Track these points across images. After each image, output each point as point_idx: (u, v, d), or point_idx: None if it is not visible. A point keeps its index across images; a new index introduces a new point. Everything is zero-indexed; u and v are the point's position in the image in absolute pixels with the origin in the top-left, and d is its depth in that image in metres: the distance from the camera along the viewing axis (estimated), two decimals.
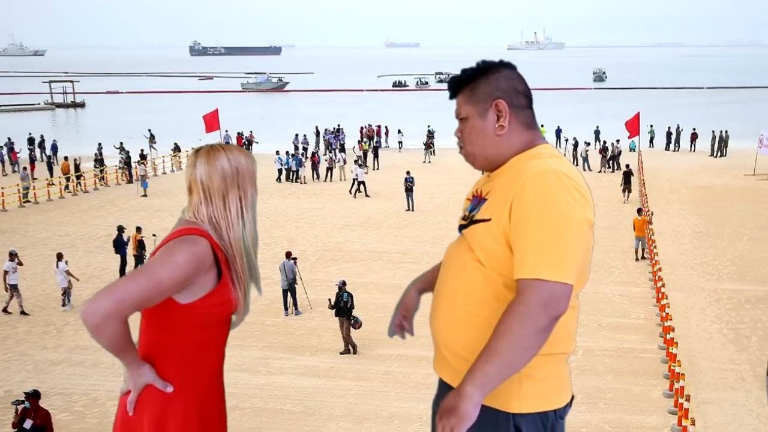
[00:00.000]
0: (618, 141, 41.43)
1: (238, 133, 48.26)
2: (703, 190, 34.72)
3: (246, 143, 46.94)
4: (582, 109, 76.40)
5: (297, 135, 47.09)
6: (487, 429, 2.48)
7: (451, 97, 2.68)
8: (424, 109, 73.41)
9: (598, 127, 48.28)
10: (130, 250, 22.43)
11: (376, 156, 43.03)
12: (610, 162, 40.76)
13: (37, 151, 45.42)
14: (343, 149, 44.43)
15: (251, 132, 48.51)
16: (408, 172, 31.77)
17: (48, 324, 18.79)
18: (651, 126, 49.59)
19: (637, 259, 23.43)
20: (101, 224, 28.92)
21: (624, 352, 16.63)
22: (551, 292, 2.33)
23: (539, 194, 2.39)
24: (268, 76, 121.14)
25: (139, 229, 22.80)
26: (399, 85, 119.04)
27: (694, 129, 48.40)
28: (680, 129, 48.81)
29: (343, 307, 16.68)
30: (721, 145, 45.57)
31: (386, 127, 52.81)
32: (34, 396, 11.78)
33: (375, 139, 47.88)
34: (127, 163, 39.51)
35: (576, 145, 42.43)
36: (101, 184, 38.13)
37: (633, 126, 38.80)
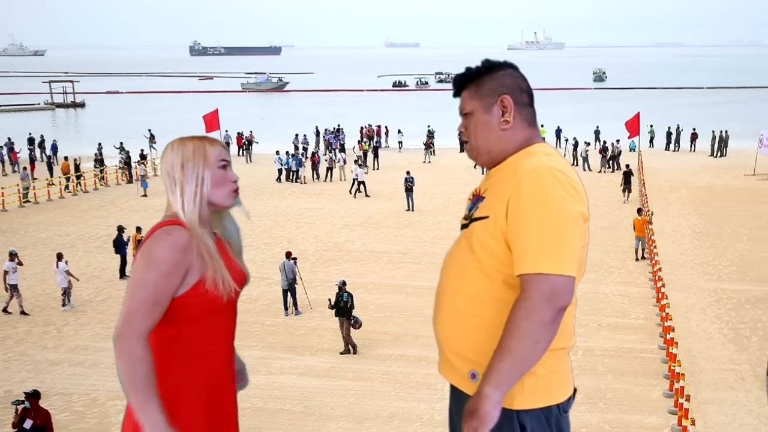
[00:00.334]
0: (618, 141, 41.43)
1: (238, 133, 48.27)
2: (703, 190, 34.72)
3: (246, 143, 46.97)
4: (582, 109, 76.40)
5: (297, 135, 47.09)
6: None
7: (455, 94, 2.72)
8: (424, 109, 73.43)
9: (598, 127, 48.28)
10: (130, 250, 22.43)
11: (376, 156, 43.02)
12: (610, 162, 40.75)
13: (37, 151, 45.42)
14: (343, 149, 44.43)
15: (251, 132, 48.50)
16: (408, 172, 31.77)
17: (48, 324, 18.78)
18: (651, 126, 49.59)
19: (637, 259, 23.43)
20: (101, 224, 28.92)
21: (624, 352, 16.62)
22: (554, 285, 2.36)
23: (534, 190, 2.43)
24: (268, 76, 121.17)
25: (139, 229, 22.79)
26: (399, 85, 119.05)
27: (694, 129, 48.40)
28: (680, 129, 48.80)
29: (343, 307, 16.68)
30: (721, 145, 45.56)
31: (386, 127, 52.81)
32: (34, 396, 11.77)
33: (375, 139, 47.88)
34: (127, 163, 39.52)
35: (576, 145, 42.42)
36: (101, 184, 38.14)
37: (633, 126, 38.79)
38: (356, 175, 34.22)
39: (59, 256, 20.05)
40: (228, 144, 45.67)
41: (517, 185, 2.46)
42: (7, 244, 24.91)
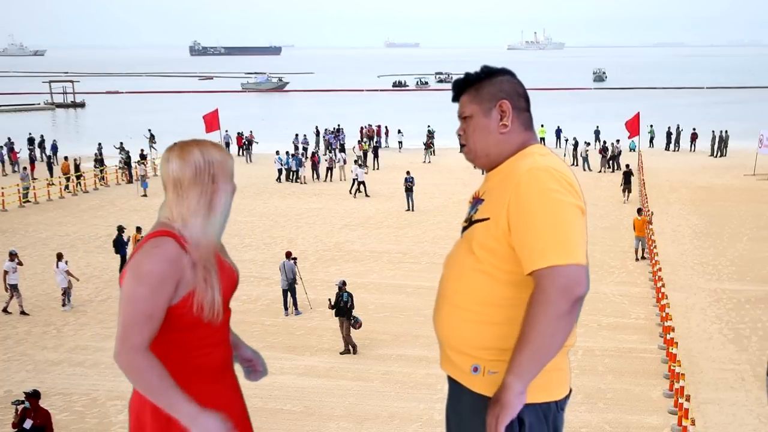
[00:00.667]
0: (618, 141, 41.43)
1: (238, 133, 48.27)
2: (703, 190, 34.72)
3: (246, 143, 46.96)
4: (582, 109, 76.41)
5: (297, 135, 47.09)
6: None
7: (454, 99, 2.79)
8: (424, 109, 73.42)
9: (598, 127, 48.27)
10: (130, 250, 22.43)
11: (376, 156, 43.03)
12: (610, 162, 40.76)
13: (37, 151, 45.42)
14: (343, 149, 44.43)
15: (251, 132, 48.50)
16: (408, 172, 31.77)
17: (48, 324, 18.79)
18: (651, 126, 49.59)
19: (637, 259, 23.43)
20: (101, 224, 28.92)
21: (624, 352, 16.62)
22: (567, 275, 2.39)
23: (533, 189, 2.48)
24: (268, 76, 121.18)
25: (139, 229, 22.80)
26: (399, 85, 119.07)
27: (694, 129, 48.40)
28: (680, 129, 48.80)
29: (343, 307, 16.68)
30: (721, 145, 45.56)
31: (386, 127, 52.81)
32: (34, 396, 11.77)
33: (375, 139, 47.88)
34: (127, 163, 39.52)
35: (576, 145, 42.43)
36: (101, 184, 38.14)
37: (633, 126, 38.80)
38: (356, 175, 34.22)
39: (59, 256, 20.06)
40: (228, 144, 45.69)
41: (515, 186, 2.51)
42: (7, 244, 24.92)
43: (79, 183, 37.07)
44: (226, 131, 45.61)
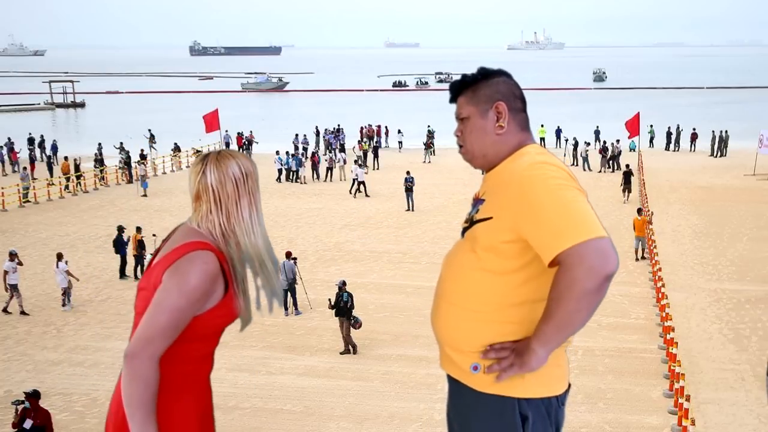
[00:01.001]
0: (618, 141, 41.44)
1: (238, 133, 48.27)
2: (703, 190, 34.73)
3: (246, 143, 46.97)
4: (582, 109, 76.42)
5: (297, 135, 47.09)
6: (493, 415, 2.60)
7: (452, 100, 2.81)
8: (424, 109, 73.42)
9: (598, 127, 48.27)
10: (130, 250, 22.43)
11: (376, 156, 43.03)
12: (610, 162, 40.76)
13: (37, 151, 45.42)
14: (343, 149, 44.43)
15: (251, 132, 48.52)
16: (408, 172, 31.77)
17: (48, 324, 18.79)
18: (651, 126, 49.60)
19: (637, 259, 23.44)
20: (101, 224, 28.92)
21: (624, 352, 16.63)
22: (592, 251, 2.36)
23: (536, 181, 2.50)
24: (268, 76, 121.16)
25: (139, 229, 22.81)
26: (399, 85, 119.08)
27: (694, 129, 48.40)
28: (680, 129, 48.82)
29: (343, 307, 16.68)
30: (721, 145, 45.57)
31: (386, 127, 52.81)
32: (34, 396, 11.77)
33: (375, 139, 47.89)
34: (127, 163, 39.51)
35: (576, 145, 42.43)
36: (101, 184, 38.13)
37: (633, 126, 38.79)
38: (356, 175, 34.22)
39: (59, 256, 20.05)
40: (228, 144, 45.69)
41: (518, 182, 2.53)
42: (7, 244, 24.92)
43: (79, 183, 37.07)
44: (226, 131, 45.61)
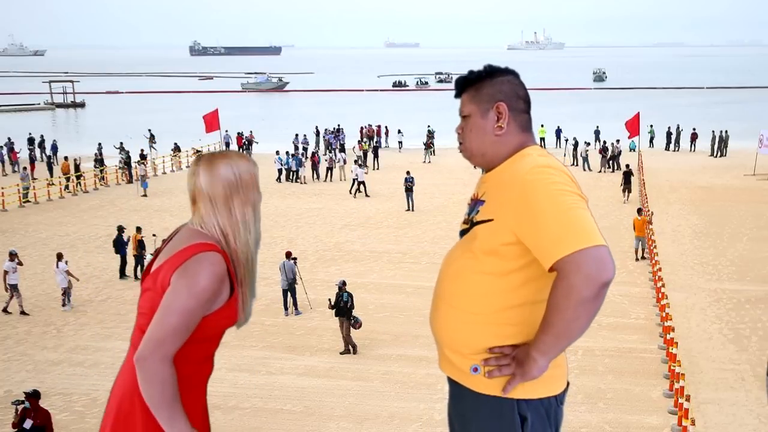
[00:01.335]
0: (618, 141, 41.43)
1: (238, 133, 48.27)
2: (703, 190, 34.72)
3: (246, 143, 46.96)
4: (582, 109, 76.41)
5: (297, 135, 47.09)
6: (492, 416, 2.60)
7: (457, 95, 2.81)
8: (424, 109, 73.44)
9: (598, 127, 48.27)
10: (130, 250, 22.43)
11: (376, 156, 43.03)
12: (610, 162, 40.76)
13: (37, 151, 45.42)
14: (343, 149, 44.43)
15: (251, 132, 48.51)
16: (408, 172, 31.77)
17: (48, 324, 18.79)
18: (651, 126, 49.59)
19: (637, 259, 23.43)
20: (101, 224, 28.92)
21: (624, 352, 16.63)
22: (590, 259, 2.37)
23: (538, 185, 2.49)
24: (268, 76, 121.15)
25: (139, 229, 22.81)
26: (399, 85, 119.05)
27: (694, 129, 48.40)
28: (680, 129, 48.81)
29: (343, 307, 16.68)
30: (721, 145, 45.57)
31: (386, 127, 52.82)
32: (34, 396, 11.77)
33: (375, 139, 47.89)
34: (127, 163, 39.51)
35: (576, 145, 42.42)
36: (101, 184, 38.13)
37: (633, 126, 38.79)
38: (356, 175, 34.22)
39: (59, 256, 20.06)
40: (228, 144, 45.69)
41: (520, 185, 2.52)
42: (7, 244, 24.92)
43: (79, 183, 37.07)
44: (226, 131, 45.61)
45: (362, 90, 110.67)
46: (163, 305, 2.61)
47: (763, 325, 18.12)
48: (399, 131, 50.06)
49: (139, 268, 21.90)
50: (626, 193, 32.58)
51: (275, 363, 16.24)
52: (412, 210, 30.80)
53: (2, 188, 33.01)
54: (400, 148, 49.34)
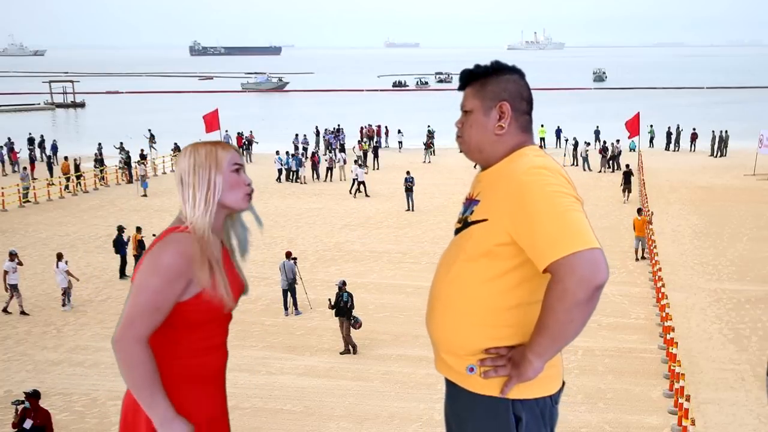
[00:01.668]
0: (618, 141, 41.43)
1: (238, 133, 48.25)
2: (703, 190, 34.72)
3: (246, 143, 46.95)
4: (582, 109, 76.41)
5: (297, 135, 47.09)
6: (487, 416, 2.60)
7: (460, 88, 2.79)
8: (424, 109, 73.45)
9: (598, 127, 48.27)
10: (130, 250, 22.43)
11: (376, 156, 43.03)
12: (610, 162, 40.76)
13: (37, 151, 45.42)
14: (343, 149, 44.43)
15: (251, 132, 48.50)
16: (408, 172, 31.77)
17: (48, 324, 18.79)
18: (651, 126, 49.59)
19: (637, 259, 23.43)
20: (101, 224, 28.92)
21: (624, 352, 16.62)
22: (584, 262, 2.36)
23: (535, 186, 2.48)
24: (268, 76, 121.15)
25: (139, 229, 22.80)
26: (399, 85, 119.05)
27: (694, 129, 48.40)
28: (680, 129, 48.81)
29: (343, 307, 16.68)
30: (721, 145, 45.57)
31: (386, 127, 52.82)
32: (34, 396, 11.77)
33: (375, 139, 47.89)
34: (127, 163, 39.52)
35: (576, 145, 42.41)
36: (101, 184, 38.13)
37: (633, 126, 38.78)
38: (356, 175, 34.22)
39: (59, 256, 20.05)
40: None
41: (516, 186, 2.51)
42: (7, 244, 24.92)
43: (79, 183, 37.07)
44: (226, 131, 45.58)
45: (362, 90, 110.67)
46: (132, 286, 2.67)
47: (763, 325, 18.12)
48: (399, 131, 50.06)
49: None
50: (626, 193, 32.57)
51: (275, 363, 16.24)
52: (412, 210, 30.80)
53: (2, 188, 33.01)
54: (400, 148, 49.34)
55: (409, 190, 30.98)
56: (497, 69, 2.73)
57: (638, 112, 39.35)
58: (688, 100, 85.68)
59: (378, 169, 41.75)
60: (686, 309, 19.18)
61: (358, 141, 46.34)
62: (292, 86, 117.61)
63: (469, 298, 2.60)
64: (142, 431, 2.70)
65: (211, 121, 39.43)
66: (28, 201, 33.47)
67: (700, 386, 14.78)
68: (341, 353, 16.69)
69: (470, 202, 2.71)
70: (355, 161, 37.19)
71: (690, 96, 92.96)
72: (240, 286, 2.89)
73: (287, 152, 39.69)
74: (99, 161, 40.18)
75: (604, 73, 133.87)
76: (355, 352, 16.69)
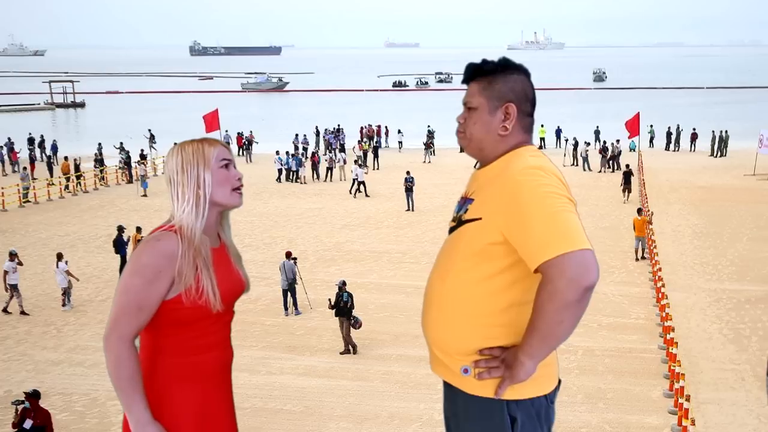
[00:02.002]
0: (618, 141, 41.44)
1: (238, 133, 48.27)
2: (703, 190, 34.72)
3: (246, 143, 46.96)
4: (582, 109, 76.43)
5: (297, 135, 47.11)
6: (482, 417, 2.60)
7: (465, 81, 2.75)
8: (424, 109, 73.45)
9: (598, 127, 48.28)
10: (130, 250, 22.42)
11: (376, 156, 43.03)
12: (610, 162, 40.76)
13: (37, 151, 45.43)
14: (343, 149, 44.45)
15: (251, 132, 48.50)
16: (408, 172, 31.77)
17: (48, 324, 18.78)
18: (651, 126, 49.60)
19: (637, 259, 23.43)
20: (101, 224, 28.92)
21: (624, 352, 16.62)
22: (575, 263, 2.36)
23: (528, 186, 2.48)
24: (268, 76, 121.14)
25: (139, 229, 22.81)
26: (399, 85, 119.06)
27: (694, 129, 48.42)
28: (680, 129, 48.84)
29: (343, 307, 16.68)
30: (721, 145, 45.57)
31: (386, 127, 52.83)
32: (34, 396, 11.77)
33: (375, 139, 47.89)
34: (127, 163, 39.53)
35: (576, 145, 42.41)
36: (101, 184, 38.14)
37: (633, 126, 38.79)
38: (356, 175, 34.22)
39: (59, 256, 20.05)
40: (228, 144, 45.63)
41: (511, 185, 2.51)
42: (7, 244, 24.91)
43: (79, 183, 37.07)
44: (226, 131, 45.61)
45: (362, 90, 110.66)
46: (117, 286, 2.70)
47: (763, 325, 18.12)
48: (399, 131, 50.08)
49: None
50: (626, 193, 32.57)
51: (275, 363, 16.24)
52: (412, 210, 30.80)
53: (2, 188, 33.00)
54: (400, 148, 49.35)
55: (409, 190, 30.98)
56: (505, 67, 2.70)
57: (638, 112, 39.36)
58: (688, 100, 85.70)
59: (378, 169, 41.75)
60: (686, 309, 19.19)
61: (358, 141, 46.34)
62: (292, 86, 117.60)
63: (462, 297, 2.60)
64: None
65: (211, 121, 39.46)
66: (28, 201, 33.47)
67: (700, 386, 14.78)
68: (341, 353, 16.69)
69: (465, 201, 2.72)
70: (355, 161, 37.20)
71: (690, 96, 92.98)
72: (240, 285, 2.87)
73: (287, 152, 39.69)
74: (99, 161, 40.18)
75: (604, 73, 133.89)
76: (355, 352, 16.68)
